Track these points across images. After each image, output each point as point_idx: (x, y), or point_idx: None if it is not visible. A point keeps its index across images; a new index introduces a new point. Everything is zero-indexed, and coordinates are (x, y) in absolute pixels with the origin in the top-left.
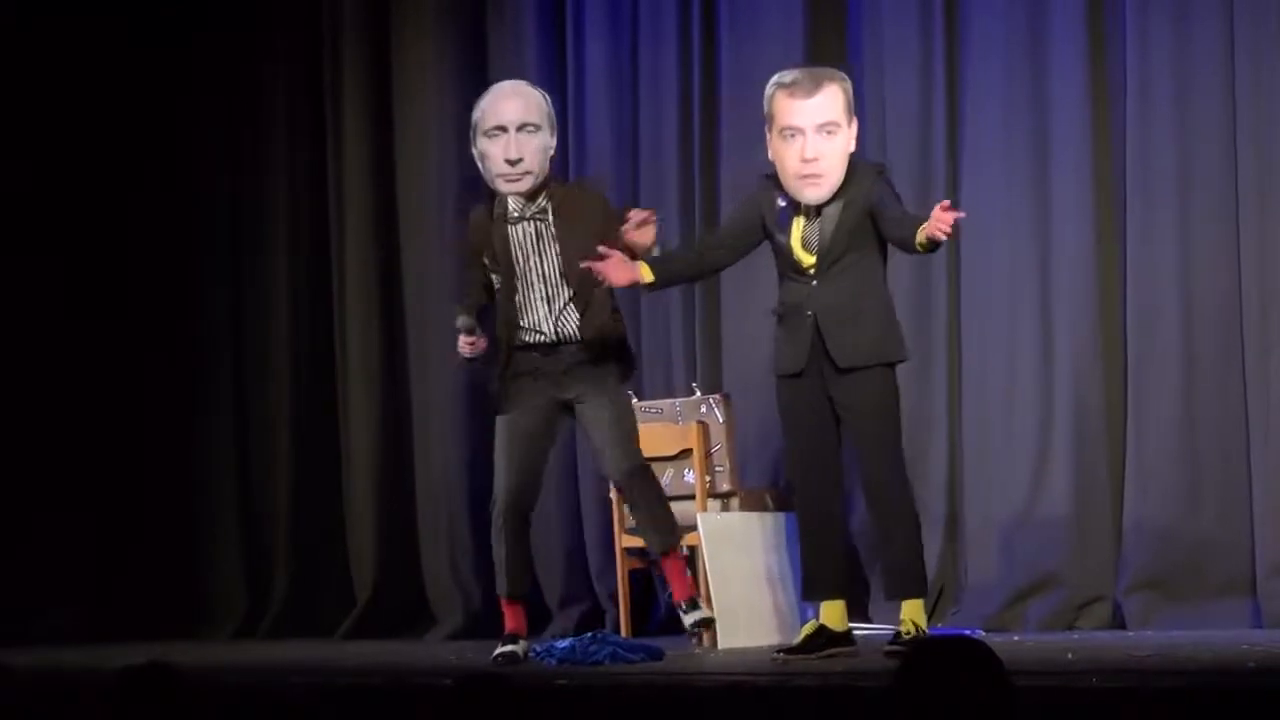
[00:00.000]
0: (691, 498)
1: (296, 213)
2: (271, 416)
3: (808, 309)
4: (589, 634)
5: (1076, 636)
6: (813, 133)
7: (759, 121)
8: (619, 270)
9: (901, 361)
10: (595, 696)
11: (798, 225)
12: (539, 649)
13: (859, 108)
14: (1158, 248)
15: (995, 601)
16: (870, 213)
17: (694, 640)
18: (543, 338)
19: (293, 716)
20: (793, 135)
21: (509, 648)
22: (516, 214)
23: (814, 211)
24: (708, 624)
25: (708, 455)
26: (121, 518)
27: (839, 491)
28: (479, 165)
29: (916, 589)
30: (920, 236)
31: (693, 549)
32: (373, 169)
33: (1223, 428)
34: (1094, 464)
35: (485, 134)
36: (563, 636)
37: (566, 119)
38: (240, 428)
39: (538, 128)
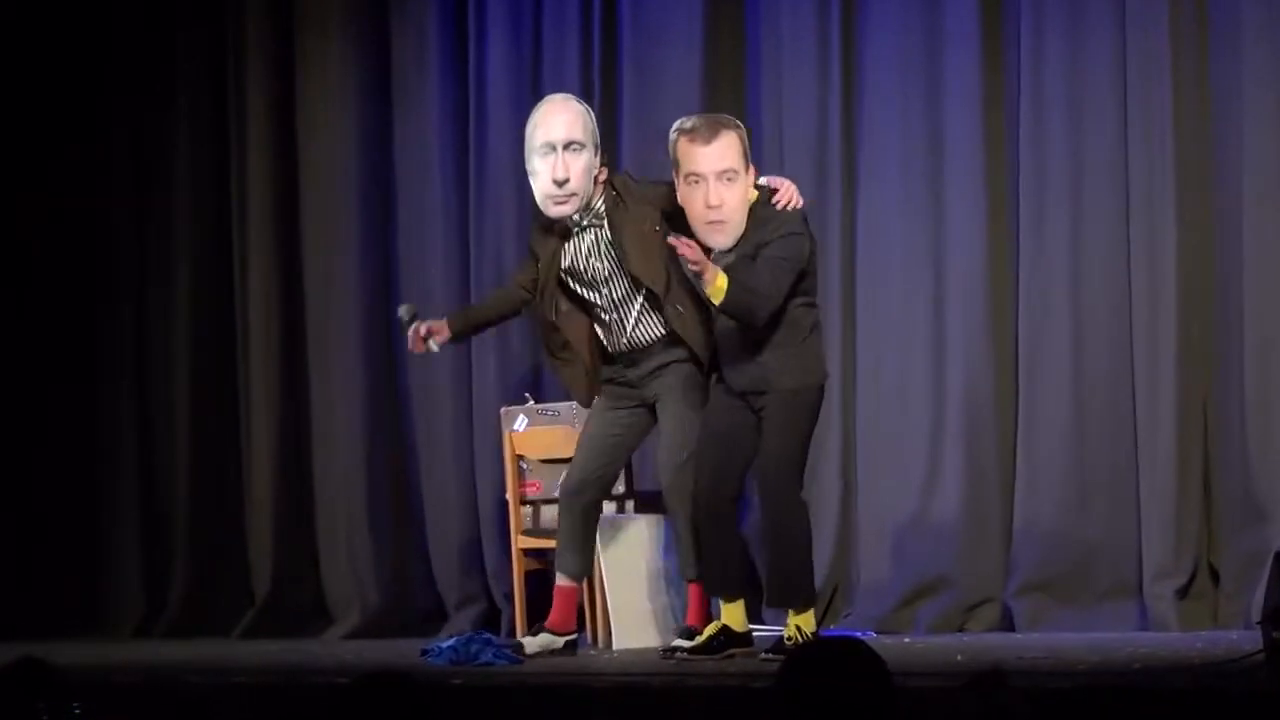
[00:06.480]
0: None
1: (198, 214)
2: (172, 417)
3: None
4: (469, 634)
5: (966, 638)
6: (714, 179)
7: (659, 122)
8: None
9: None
10: (492, 696)
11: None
12: (426, 648)
13: (756, 107)
14: (1050, 252)
15: (886, 603)
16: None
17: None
18: (621, 347)
19: (190, 715)
20: (697, 181)
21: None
22: (574, 223)
23: (721, 255)
24: (673, 651)
25: None
26: (18, 517)
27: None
28: (531, 183)
29: (798, 601)
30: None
31: None
32: (275, 166)
33: (1112, 432)
34: (985, 467)
35: (537, 151)
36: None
37: (468, 118)
38: (140, 427)
39: (583, 146)
